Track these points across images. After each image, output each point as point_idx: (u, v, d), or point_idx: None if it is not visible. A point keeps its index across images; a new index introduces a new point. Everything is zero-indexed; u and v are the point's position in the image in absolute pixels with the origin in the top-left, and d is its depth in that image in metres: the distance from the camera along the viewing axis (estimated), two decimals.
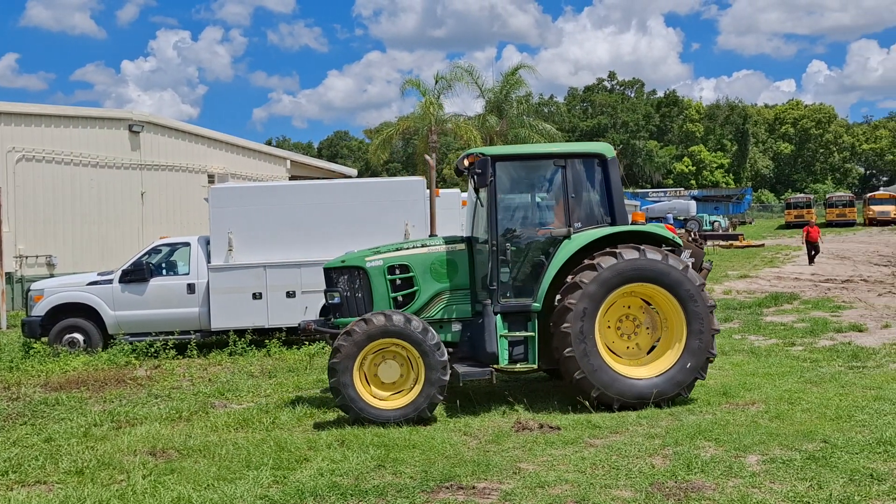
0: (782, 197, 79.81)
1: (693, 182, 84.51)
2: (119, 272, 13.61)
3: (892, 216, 53.74)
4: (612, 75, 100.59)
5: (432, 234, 9.56)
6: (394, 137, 38.65)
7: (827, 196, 64.44)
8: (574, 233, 8.76)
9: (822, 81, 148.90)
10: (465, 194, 19.32)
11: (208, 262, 13.64)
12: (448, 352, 8.61)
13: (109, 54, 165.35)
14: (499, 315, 8.66)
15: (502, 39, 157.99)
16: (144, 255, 13.86)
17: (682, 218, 46.99)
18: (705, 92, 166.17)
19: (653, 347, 8.89)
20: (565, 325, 8.35)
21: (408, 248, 9.18)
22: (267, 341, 13.43)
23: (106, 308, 13.38)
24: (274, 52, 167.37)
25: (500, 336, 8.63)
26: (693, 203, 51.17)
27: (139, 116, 25.71)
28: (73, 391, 10.56)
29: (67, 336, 13.31)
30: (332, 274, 9.19)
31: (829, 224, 55.35)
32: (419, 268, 9.04)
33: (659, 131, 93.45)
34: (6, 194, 19.60)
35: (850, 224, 55.39)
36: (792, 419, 7.88)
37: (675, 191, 68.79)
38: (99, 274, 14.05)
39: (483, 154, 8.75)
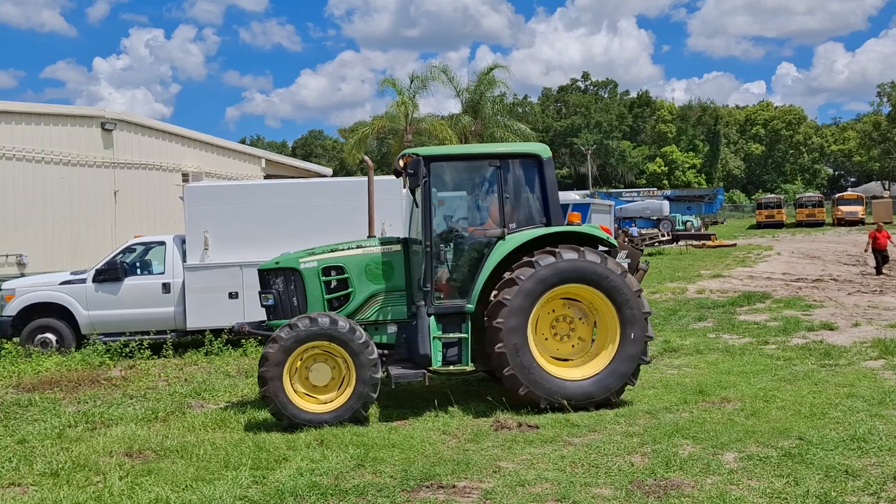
0: (753, 197, 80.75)
1: (666, 182, 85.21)
2: (93, 271, 13.44)
3: (860, 216, 54.69)
4: (585, 76, 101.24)
5: (370, 236, 9.50)
6: (369, 137, 38.57)
7: (797, 196, 65.37)
8: (509, 233, 8.75)
9: (791, 84, 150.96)
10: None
11: (184, 261, 13.52)
12: (384, 354, 8.68)
13: (81, 52, 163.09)
14: (433, 317, 8.63)
15: (476, 39, 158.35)
16: (119, 254, 13.71)
17: (654, 218, 47.30)
18: (677, 93, 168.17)
19: (588, 349, 8.80)
20: (498, 320, 8.34)
21: (343, 250, 9.10)
22: (243, 341, 13.32)
23: (79, 308, 13.21)
24: (247, 51, 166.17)
25: (434, 338, 8.60)
26: (666, 203, 51.46)
27: (112, 114, 25.35)
28: (47, 392, 10.42)
29: (40, 336, 13.11)
30: (267, 275, 9.10)
31: (798, 224, 56.25)
32: (354, 269, 8.97)
33: (632, 132, 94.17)
34: None
35: (819, 224, 56.28)
36: (767, 417, 7.99)
37: (649, 191, 69.18)
38: (72, 273, 13.87)
39: (416, 154, 8.71)
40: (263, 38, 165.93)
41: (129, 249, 13.88)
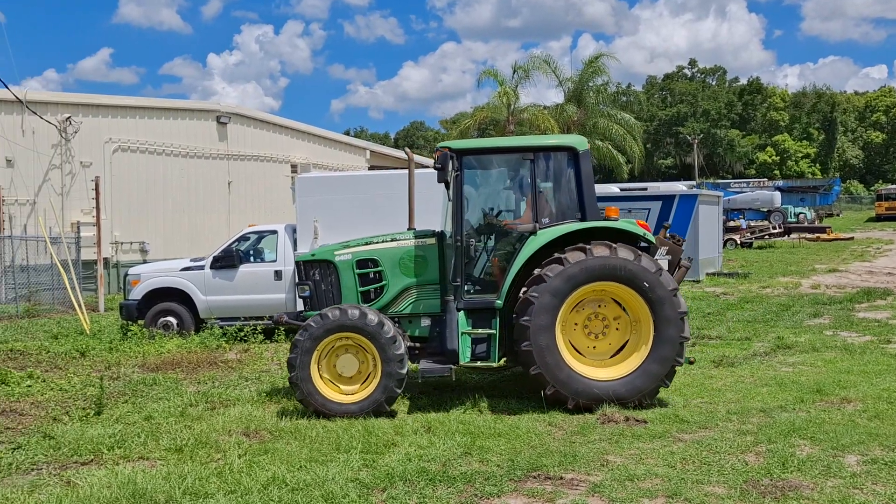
0: (872, 188, 76.40)
1: (777, 172, 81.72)
2: (210, 258, 14.05)
3: None
4: (692, 62, 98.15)
5: (410, 228, 9.43)
6: (471, 128, 38.66)
7: None
8: (541, 228, 8.53)
9: None
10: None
11: (295, 249, 13.97)
12: (416, 347, 8.70)
13: (196, 48, 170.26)
14: (462, 312, 8.53)
15: (578, 28, 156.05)
16: (234, 242, 14.29)
17: (765, 209, 45.45)
18: (790, 79, 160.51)
19: (622, 349, 8.51)
20: (525, 318, 8.16)
21: (377, 243, 9.11)
22: None
23: (198, 293, 13.85)
24: (351, 45, 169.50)
25: (463, 333, 8.48)
26: (777, 194, 49.25)
27: (226, 108, 26.42)
28: (169, 372, 10.99)
29: (162, 319, 13.83)
30: (304, 267, 9.21)
31: None
32: (388, 262, 8.96)
33: (741, 120, 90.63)
34: (104, 183, 20.46)
35: None
36: (893, 419, 7.60)
37: (759, 181, 66.53)
38: (191, 260, 14.54)
39: (448, 148, 8.59)
40: (367, 31, 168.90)
41: (244, 238, 14.45)
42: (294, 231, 14.30)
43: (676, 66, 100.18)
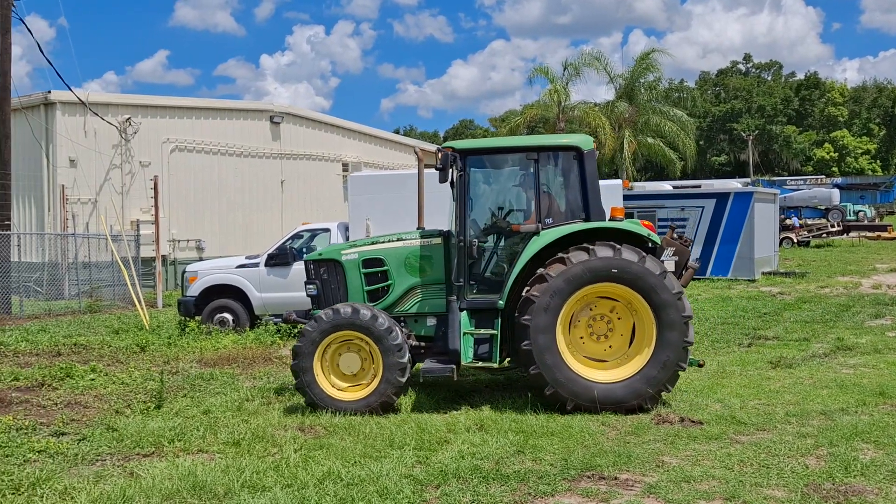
0: None
1: (835, 169, 79.58)
2: (265, 256, 14.28)
3: None
4: (747, 57, 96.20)
5: (419, 227, 9.40)
6: (520, 126, 38.54)
7: None
8: (544, 229, 8.42)
9: None
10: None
11: None
12: (422, 346, 8.71)
13: (249, 50, 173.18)
14: (465, 312, 8.48)
15: (629, 24, 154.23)
16: (288, 240, 14.50)
17: (823, 207, 44.32)
18: (849, 73, 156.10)
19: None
20: (525, 317, 8.08)
21: (383, 242, 9.13)
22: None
23: (253, 290, 14.10)
24: (400, 44, 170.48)
25: (466, 333, 8.44)
26: (836, 191, 47.98)
27: (279, 108, 26.82)
28: (225, 367, 11.21)
29: (218, 315, 14.11)
30: (312, 266, 9.28)
31: None
32: (393, 262, 8.97)
33: (798, 116, 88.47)
34: (161, 182, 20.96)
35: None
36: None
37: (816, 178, 64.93)
38: (246, 257, 14.81)
39: (452, 148, 8.55)
40: (416, 30, 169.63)
41: (297, 236, 14.66)
42: (346, 229, 14.45)
43: (730, 61, 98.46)
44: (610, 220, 8.50)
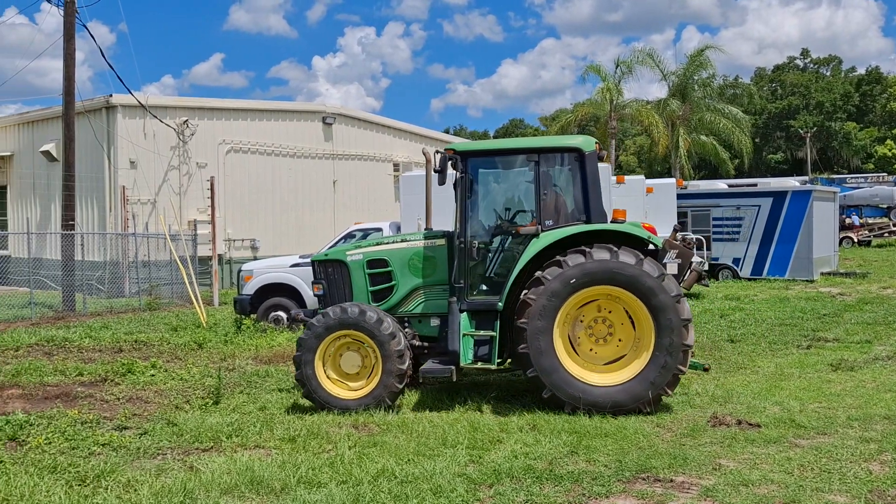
0: None
1: None
2: None
3: None
4: (804, 53, 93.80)
5: (427, 228, 9.39)
6: (571, 124, 38.29)
7: None
8: (543, 231, 8.33)
9: None
10: (649, 181, 18.85)
11: None
12: (425, 347, 8.78)
13: (301, 51, 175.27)
14: (466, 313, 8.45)
15: (682, 20, 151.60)
16: (340, 239, 14.66)
17: (884, 206, 43.04)
18: None
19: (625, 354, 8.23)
20: (522, 320, 8.02)
21: (387, 243, 9.21)
22: None
23: (307, 288, 14.26)
24: (450, 44, 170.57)
25: (465, 334, 8.41)
26: None
27: (331, 109, 27.14)
28: (280, 365, 11.38)
29: (273, 314, 14.35)
30: (318, 267, 9.40)
31: None
32: (397, 263, 9.03)
33: (858, 112, 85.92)
34: (218, 183, 21.39)
35: None
36: None
37: (877, 176, 62.96)
38: (300, 256, 15.02)
39: (453, 150, 8.54)
40: (466, 30, 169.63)
41: (350, 235, 14.82)
42: (398, 228, 14.56)
43: (787, 56, 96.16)
44: (611, 221, 8.49)
